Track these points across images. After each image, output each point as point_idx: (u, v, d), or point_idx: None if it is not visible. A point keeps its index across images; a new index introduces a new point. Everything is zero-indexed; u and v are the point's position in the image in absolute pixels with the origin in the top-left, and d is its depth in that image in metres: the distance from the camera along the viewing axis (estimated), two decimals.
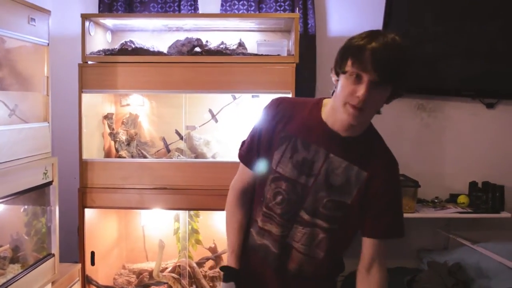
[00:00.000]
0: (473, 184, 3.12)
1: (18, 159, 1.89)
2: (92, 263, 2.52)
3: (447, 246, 3.19)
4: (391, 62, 1.32)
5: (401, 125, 3.21)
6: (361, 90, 1.31)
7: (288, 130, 1.48)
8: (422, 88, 3.17)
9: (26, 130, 1.96)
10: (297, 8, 2.94)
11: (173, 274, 2.62)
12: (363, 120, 1.39)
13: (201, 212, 2.80)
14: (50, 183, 2.09)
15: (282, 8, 3.01)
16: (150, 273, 2.81)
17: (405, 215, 2.92)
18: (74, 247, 2.55)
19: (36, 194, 2.08)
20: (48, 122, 2.11)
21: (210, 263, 2.90)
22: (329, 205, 1.45)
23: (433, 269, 2.78)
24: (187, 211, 2.65)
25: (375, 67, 1.29)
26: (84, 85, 2.48)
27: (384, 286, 1.50)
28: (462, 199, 3.10)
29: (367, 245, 1.48)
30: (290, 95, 2.41)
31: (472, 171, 3.19)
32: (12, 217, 2.18)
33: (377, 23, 3.04)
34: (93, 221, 2.61)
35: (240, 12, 2.96)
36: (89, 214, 2.56)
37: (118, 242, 2.98)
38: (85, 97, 2.50)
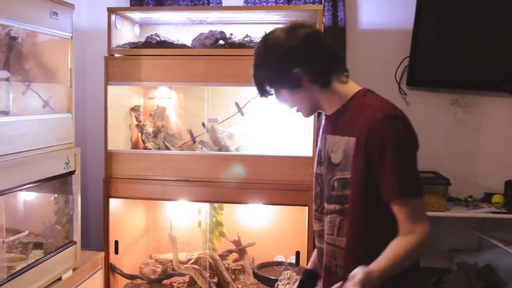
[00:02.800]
0: (509, 183, 2.99)
1: (40, 148, 1.95)
2: (116, 252, 2.58)
3: (481, 247, 3.07)
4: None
5: (434, 120, 3.11)
6: None
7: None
8: (457, 82, 3.06)
9: (50, 121, 2.02)
10: (326, 0, 2.89)
11: (195, 266, 2.64)
12: (309, 112, 1.49)
13: (226, 205, 2.81)
14: (72, 172, 2.14)
15: (311, 1, 2.97)
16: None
17: (436, 213, 2.87)
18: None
19: (60, 183, 2.14)
20: (72, 113, 2.16)
21: (233, 255, 2.91)
22: (336, 185, 1.42)
23: (462, 270, 2.69)
24: (209, 203, 2.66)
25: None
26: (109, 78, 2.53)
27: (413, 248, 1.33)
28: (497, 198, 2.98)
29: (394, 211, 1.35)
30: None
31: (509, 169, 3.06)
32: (44, 205, 2.26)
33: (409, 16, 2.96)
34: (119, 211, 2.67)
35: (269, 4, 2.95)
36: (116, 204, 2.61)
37: (145, 233, 3.03)
38: (111, 89, 2.55)
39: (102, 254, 2.43)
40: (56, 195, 2.21)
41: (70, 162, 2.12)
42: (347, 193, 1.39)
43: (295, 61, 1.39)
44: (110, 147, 2.55)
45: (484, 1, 2.99)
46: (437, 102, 3.11)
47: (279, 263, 3.03)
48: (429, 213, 2.84)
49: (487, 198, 3.03)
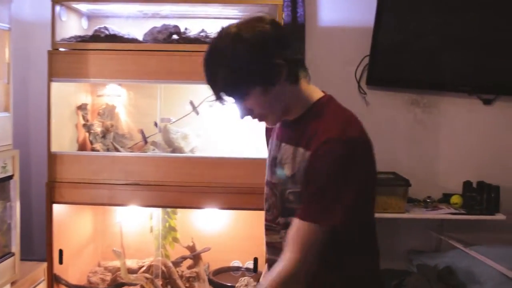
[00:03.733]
0: (467, 184, 2.97)
1: None
2: (60, 262, 2.39)
3: (439, 248, 3.05)
4: (206, 77, 1.27)
5: (393, 121, 3.06)
6: None
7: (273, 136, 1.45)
8: (417, 82, 3.02)
9: None
10: None
11: (146, 275, 2.49)
12: (277, 118, 1.35)
13: (180, 209, 2.67)
14: (10, 177, 1.96)
15: None
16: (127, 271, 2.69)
17: (395, 215, 2.82)
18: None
19: None
20: (9, 112, 1.97)
21: (188, 262, 2.76)
22: (291, 198, 1.31)
23: (422, 272, 2.65)
24: (161, 208, 2.51)
25: None
26: (53, 74, 2.33)
27: (282, 277, 1.25)
28: (455, 199, 2.96)
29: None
30: None
31: (467, 170, 3.04)
32: None
33: (370, 14, 2.89)
34: (65, 218, 2.48)
35: None
36: (61, 210, 2.42)
37: (93, 239, 2.84)
38: (55, 86, 2.35)
39: (45, 264, 2.25)
40: None
41: (7, 166, 1.93)
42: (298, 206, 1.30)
43: (280, 49, 1.25)
44: (53, 149, 2.35)
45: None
46: (397, 102, 3.06)
47: (236, 269, 2.91)
48: (389, 215, 2.81)
49: (445, 198, 3.00)
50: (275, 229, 1.41)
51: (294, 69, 1.28)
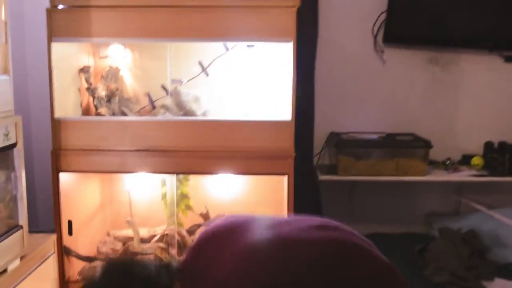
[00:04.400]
0: (488, 145, 2.86)
1: None
2: (70, 233, 2.27)
3: (459, 211, 2.95)
4: None
5: (411, 80, 2.92)
6: None
7: None
8: (434, 39, 2.87)
9: None
10: None
11: (160, 244, 2.38)
12: None
13: (192, 176, 2.54)
14: (13, 145, 1.81)
15: None
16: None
17: (416, 178, 2.72)
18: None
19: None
20: (9, 75, 1.81)
21: (201, 230, 2.66)
22: None
23: (445, 236, 2.55)
24: (174, 175, 2.38)
25: None
26: (53, 33, 2.16)
27: None
28: (476, 160, 2.85)
29: None
30: (291, 44, 2.11)
31: (488, 130, 2.93)
32: None
33: None
34: (71, 187, 2.35)
35: None
36: (67, 179, 2.29)
37: (101, 209, 2.72)
38: (56, 47, 2.18)
39: (54, 236, 2.12)
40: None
41: (10, 134, 1.78)
42: None
43: None
44: (57, 114, 2.20)
45: None
46: (415, 60, 2.92)
47: None
48: (409, 178, 2.71)
49: (465, 160, 2.90)
50: None
51: None
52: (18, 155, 1.84)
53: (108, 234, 2.76)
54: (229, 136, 2.20)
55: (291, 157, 2.18)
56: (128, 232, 2.70)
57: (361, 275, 1.12)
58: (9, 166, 1.83)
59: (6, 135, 1.76)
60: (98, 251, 2.62)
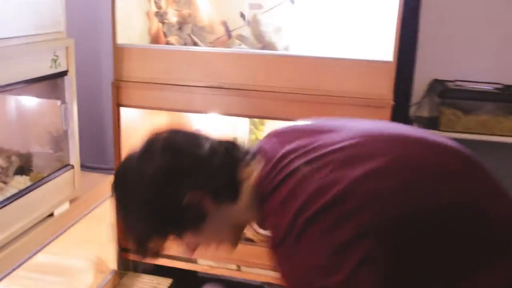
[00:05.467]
0: None
1: (8, 37, 1.35)
2: None
3: None
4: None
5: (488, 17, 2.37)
6: None
7: None
8: None
9: None
10: None
11: None
12: (234, 241, 1.06)
13: (268, 120, 2.22)
14: (63, 73, 1.56)
15: None
16: None
17: (506, 139, 2.26)
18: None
19: (46, 88, 1.57)
20: None
21: None
22: None
23: None
24: (247, 118, 2.07)
25: None
26: None
27: None
28: None
29: None
30: None
31: None
32: (26, 117, 1.72)
33: None
34: (135, 124, 2.11)
35: None
36: (129, 114, 2.04)
37: None
38: None
39: (111, 178, 1.90)
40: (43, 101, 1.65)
41: (59, 59, 1.53)
42: None
43: (181, 183, 0.94)
44: (120, 40, 1.93)
45: None
46: None
47: None
48: (502, 139, 2.26)
49: None
50: None
51: (223, 187, 0.96)
52: (70, 84, 1.59)
53: None
54: (315, 76, 1.83)
55: (388, 106, 1.79)
56: None
57: None
58: (59, 97, 1.60)
59: (55, 60, 1.51)
60: None
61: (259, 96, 1.89)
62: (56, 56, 1.51)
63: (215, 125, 2.43)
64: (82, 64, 1.83)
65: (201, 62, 1.92)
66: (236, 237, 1.05)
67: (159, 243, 1.00)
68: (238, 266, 2.04)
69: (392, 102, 1.79)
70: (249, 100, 1.90)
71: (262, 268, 2.02)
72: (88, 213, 1.73)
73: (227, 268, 2.05)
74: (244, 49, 2.03)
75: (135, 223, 0.99)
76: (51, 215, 1.56)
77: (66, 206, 1.63)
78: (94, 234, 1.88)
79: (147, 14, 2.16)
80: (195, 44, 2.10)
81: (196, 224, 0.96)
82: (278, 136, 1.03)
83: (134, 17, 2.07)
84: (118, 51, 1.93)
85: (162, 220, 0.96)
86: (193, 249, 1.04)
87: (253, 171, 0.96)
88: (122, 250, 2.08)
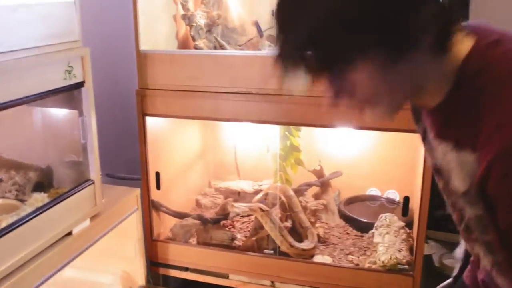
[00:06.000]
0: None
1: (21, 49, 1.28)
2: (158, 187, 1.97)
3: None
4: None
5: None
6: None
7: None
8: None
9: (38, 8, 1.33)
10: None
11: (261, 205, 1.99)
12: (385, 110, 0.81)
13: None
14: (80, 84, 1.48)
15: None
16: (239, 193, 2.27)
17: None
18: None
19: (63, 100, 1.49)
20: None
21: (313, 190, 2.23)
22: (472, 224, 0.83)
23: None
24: (279, 126, 1.95)
25: None
26: None
27: None
28: None
29: None
30: None
31: None
32: (45, 131, 1.65)
33: None
34: (158, 134, 2.02)
35: None
36: (155, 124, 1.96)
37: (198, 160, 2.40)
38: None
39: (138, 191, 1.82)
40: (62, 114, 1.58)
41: (74, 70, 1.45)
42: (491, 238, 0.79)
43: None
44: (143, 46, 1.84)
45: None
46: None
47: (373, 198, 2.33)
48: None
49: None
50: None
51: (447, 30, 0.75)
52: (87, 96, 1.51)
53: (209, 185, 2.45)
54: None
55: None
56: (232, 184, 2.37)
57: None
58: (78, 108, 1.52)
59: (69, 72, 1.43)
60: (197, 204, 2.33)
61: (292, 102, 1.75)
62: (71, 66, 1.43)
63: (250, 131, 2.32)
64: (105, 72, 1.75)
65: (228, 67, 1.80)
66: (398, 105, 0.82)
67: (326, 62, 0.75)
68: (272, 282, 1.92)
69: None
70: (281, 106, 1.78)
71: (298, 284, 1.89)
72: (111, 230, 1.65)
73: (260, 284, 1.93)
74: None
75: (316, 11, 0.72)
76: (70, 233, 1.49)
77: (86, 223, 1.55)
78: (119, 249, 1.80)
79: (174, 17, 2.07)
80: (221, 47, 1.99)
81: (395, 53, 0.72)
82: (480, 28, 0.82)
83: (160, 21, 1.98)
84: (142, 58, 1.84)
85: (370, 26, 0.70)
86: (346, 94, 0.79)
87: (464, 42, 0.77)
88: (152, 264, 2.01)
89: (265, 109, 1.80)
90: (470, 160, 0.73)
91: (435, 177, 0.93)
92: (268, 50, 1.92)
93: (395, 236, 1.93)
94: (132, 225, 1.81)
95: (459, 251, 1.10)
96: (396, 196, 2.29)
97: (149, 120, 1.90)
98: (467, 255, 1.04)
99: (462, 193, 0.78)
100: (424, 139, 0.92)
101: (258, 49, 1.98)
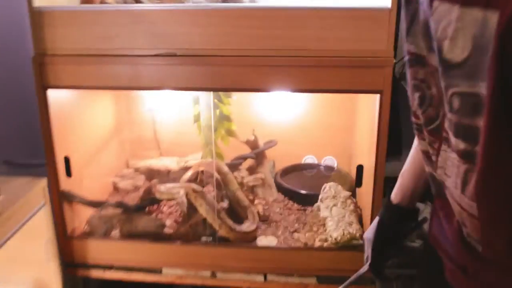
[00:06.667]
0: None
1: None
2: (68, 173, 1.64)
3: None
4: None
5: None
6: None
7: None
8: None
9: None
10: None
11: (193, 185, 1.73)
12: None
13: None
14: None
15: None
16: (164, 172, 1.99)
17: None
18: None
19: None
20: None
21: (248, 162, 2.01)
22: (456, 104, 0.69)
23: None
24: (211, 92, 1.68)
25: None
26: None
27: None
28: None
29: None
30: None
31: None
32: None
33: None
34: (68, 110, 1.68)
35: None
36: (59, 97, 1.61)
37: (112, 136, 2.07)
38: None
39: (44, 181, 1.49)
40: None
41: None
42: (477, 123, 0.66)
43: None
44: (38, 2, 1.48)
45: None
46: None
47: (310, 166, 2.16)
48: None
49: None
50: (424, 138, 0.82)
51: None
52: None
53: (127, 165, 2.15)
54: (293, 33, 1.45)
55: (388, 66, 1.43)
56: (153, 162, 2.08)
57: None
58: None
59: None
60: (115, 188, 2.02)
61: (223, 63, 1.49)
62: None
63: (173, 100, 2.04)
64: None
65: (147, 25, 1.49)
66: None
67: None
68: (213, 273, 1.68)
69: (393, 61, 1.43)
70: (210, 69, 1.51)
71: (242, 272, 1.67)
72: (15, 233, 1.32)
73: (199, 276, 1.69)
74: (201, 3, 1.60)
75: None
76: None
77: None
78: (27, 253, 1.47)
79: None
80: (137, 1, 1.66)
81: None
82: None
83: None
84: (36, 16, 1.48)
85: None
86: None
87: None
88: (68, 266, 1.69)
89: (192, 73, 1.52)
90: (479, 18, 0.60)
91: (409, 70, 0.79)
92: (194, 2, 1.62)
93: (343, 208, 1.77)
94: (40, 223, 1.48)
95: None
96: (334, 162, 2.13)
97: (51, 94, 1.54)
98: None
99: (457, 63, 0.64)
100: (412, 21, 0.77)
101: (181, 1, 1.67)
